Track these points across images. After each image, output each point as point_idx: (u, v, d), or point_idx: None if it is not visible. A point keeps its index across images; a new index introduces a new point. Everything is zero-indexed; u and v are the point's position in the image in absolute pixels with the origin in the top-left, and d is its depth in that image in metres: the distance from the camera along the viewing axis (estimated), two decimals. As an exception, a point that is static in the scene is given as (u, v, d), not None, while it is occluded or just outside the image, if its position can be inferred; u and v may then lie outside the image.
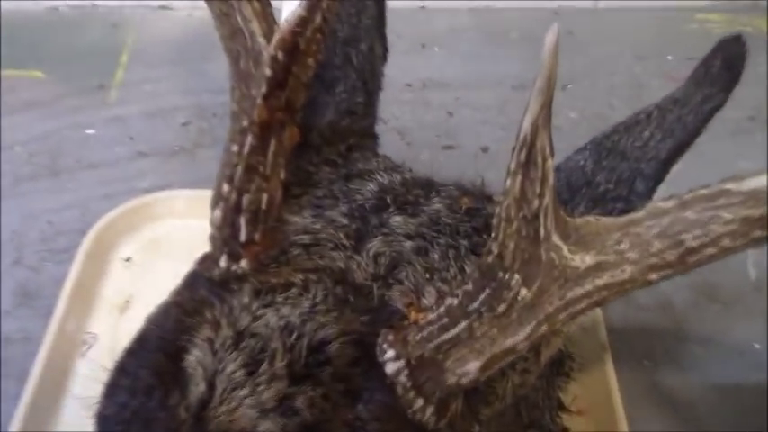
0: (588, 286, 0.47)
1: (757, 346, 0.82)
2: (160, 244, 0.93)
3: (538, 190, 0.46)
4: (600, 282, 0.47)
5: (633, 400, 0.74)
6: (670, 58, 1.19)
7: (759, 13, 1.26)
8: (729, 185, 0.46)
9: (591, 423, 0.71)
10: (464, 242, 0.54)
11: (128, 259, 0.92)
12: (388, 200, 0.56)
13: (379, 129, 1.08)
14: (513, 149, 0.46)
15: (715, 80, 0.56)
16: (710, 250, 0.46)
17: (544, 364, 0.58)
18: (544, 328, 0.48)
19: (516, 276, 0.46)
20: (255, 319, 0.48)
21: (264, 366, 0.46)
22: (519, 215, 0.46)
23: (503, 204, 0.46)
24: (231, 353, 0.47)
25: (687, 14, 1.27)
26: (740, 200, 0.45)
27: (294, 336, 0.47)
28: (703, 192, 0.47)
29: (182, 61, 1.17)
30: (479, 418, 0.54)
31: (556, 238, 0.47)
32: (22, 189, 0.97)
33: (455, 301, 0.47)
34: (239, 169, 0.52)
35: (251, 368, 0.46)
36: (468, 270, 0.53)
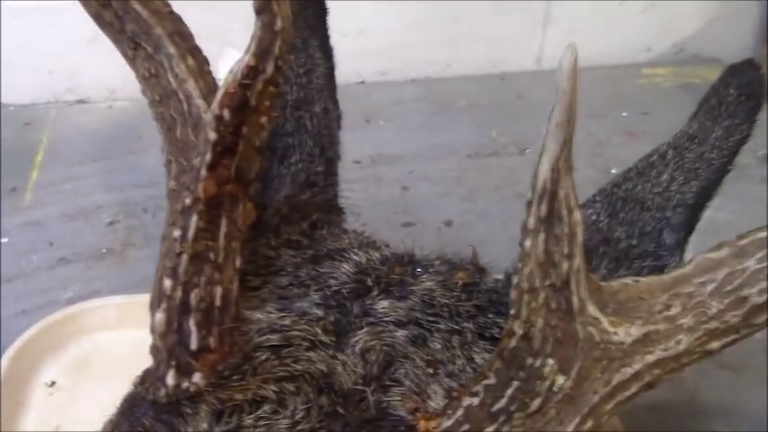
0: (638, 365, 0.38)
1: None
2: (90, 363, 0.80)
3: (566, 250, 0.36)
4: (651, 358, 0.38)
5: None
6: (624, 114, 1.15)
7: (703, 65, 1.24)
8: (794, 224, 0.38)
9: None
10: (468, 325, 0.44)
11: (52, 384, 0.78)
12: (369, 282, 0.46)
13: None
14: (529, 203, 0.37)
15: (734, 111, 0.49)
16: (781, 305, 0.38)
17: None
18: (590, 423, 0.38)
19: (549, 361, 0.37)
20: (218, 451, 0.37)
21: None
22: (545, 283, 0.37)
23: (522, 272, 0.37)
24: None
25: (634, 70, 1.24)
26: (810, 240, 0.37)
27: (273, 469, 0.36)
28: (762, 234, 0.38)
29: (103, 156, 1.06)
30: None
31: (592, 309, 0.37)
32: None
33: (475, 401, 0.37)
34: (184, 259, 0.41)
35: None
36: (477, 359, 0.43)
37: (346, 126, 1.09)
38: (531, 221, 0.37)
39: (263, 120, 0.43)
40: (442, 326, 0.44)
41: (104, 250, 0.92)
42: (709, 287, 0.38)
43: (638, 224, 0.47)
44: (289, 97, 0.57)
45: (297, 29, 0.62)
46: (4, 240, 0.93)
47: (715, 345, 0.38)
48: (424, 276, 0.48)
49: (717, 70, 1.22)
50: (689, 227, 0.47)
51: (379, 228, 0.93)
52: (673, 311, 0.38)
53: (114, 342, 0.80)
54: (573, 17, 1.26)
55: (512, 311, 0.37)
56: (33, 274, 0.89)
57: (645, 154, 0.51)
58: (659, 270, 0.42)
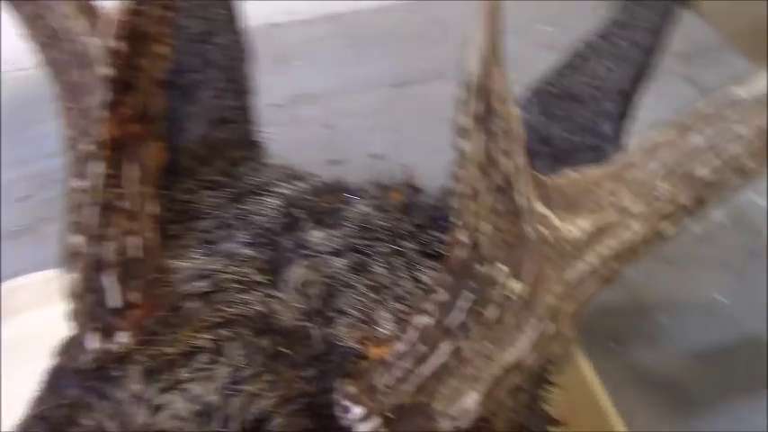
0: (592, 259, 0.36)
1: (718, 297, 0.74)
2: (24, 344, 0.74)
3: (506, 147, 0.34)
4: (606, 250, 0.36)
5: (614, 389, 0.63)
6: (548, 28, 1.13)
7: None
8: (736, 93, 0.36)
9: (582, 426, 0.60)
10: (410, 244, 0.42)
11: None
12: (299, 214, 0.43)
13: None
14: (462, 101, 0.34)
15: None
16: (732, 179, 0.36)
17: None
18: (551, 327, 0.36)
19: (501, 267, 0.34)
20: (156, 410, 0.33)
21: None
22: (488, 185, 0.34)
23: (462, 177, 0.34)
24: (132, 467, 0.32)
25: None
26: (754, 107, 0.35)
27: (218, 421, 0.33)
28: (705, 108, 0.36)
29: (6, 131, 0.99)
30: None
31: (540, 207, 0.35)
32: None
33: (428, 320, 0.34)
34: (93, 211, 0.37)
35: None
36: (425, 279, 0.41)
37: (261, 70, 1.04)
38: (466, 121, 0.34)
39: (162, 49, 0.39)
40: (382, 249, 0.41)
41: (16, 228, 0.86)
42: (658, 170, 0.36)
43: (575, 119, 0.45)
44: (189, 31, 0.52)
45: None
46: None
47: (669, 229, 0.37)
48: (357, 201, 0.45)
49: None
50: (626, 114, 0.45)
51: (306, 168, 0.90)
52: (623, 200, 0.36)
53: (39, 322, 0.75)
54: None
55: (455, 221, 0.35)
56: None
57: (574, 48, 0.48)
58: (601, 161, 0.39)
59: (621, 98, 0.45)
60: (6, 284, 0.76)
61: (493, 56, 0.34)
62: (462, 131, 0.34)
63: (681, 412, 0.66)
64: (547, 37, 1.10)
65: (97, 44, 0.40)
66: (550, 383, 0.56)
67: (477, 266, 0.34)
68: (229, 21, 0.55)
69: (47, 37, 0.42)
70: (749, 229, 0.81)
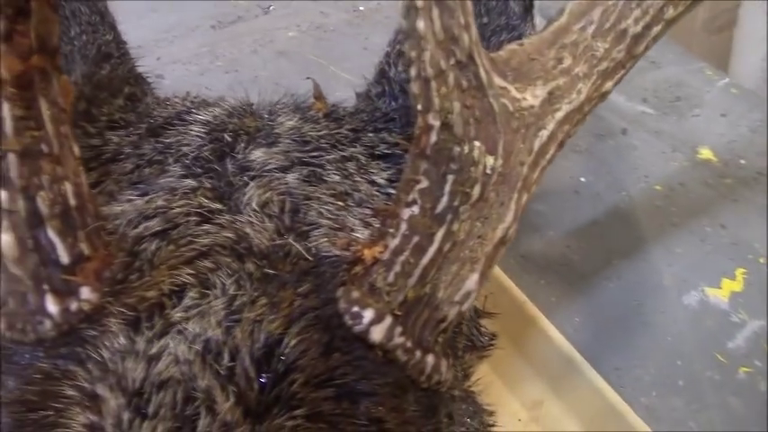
0: (551, 125, 0.37)
1: (581, 179, 0.80)
2: None
3: (463, 20, 0.33)
4: (560, 114, 0.37)
5: (514, 280, 0.67)
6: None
7: None
8: (652, -55, 0.38)
9: (507, 318, 0.62)
10: (355, 149, 0.40)
11: None
12: (228, 137, 0.40)
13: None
14: (411, -22, 0.33)
15: None
16: (657, 28, 0.38)
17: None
18: (525, 197, 0.36)
19: (476, 144, 0.34)
20: (154, 359, 0.30)
21: (205, 422, 0.29)
22: (450, 62, 0.33)
23: (421, 59, 0.33)
24: (140, 428, 0.29)
25: None
26: (670, -44, 0.37)
27: (227, 355, 0.30)
28: (624, -36, 0.38)
29: None
30: (458, 355, 0.41)
31: (499, 80, 0.35)
32: None
33: (416, 209, 0.34)
34: (12, 159, 0.32)
35: (185, 427, 0.29)
36: (379, 180, 0.39)
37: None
38: (418, -1, 0.33)
39: (51, -35, 0.34)
40: (329, 157, 0.39)
41: None
42: (590, 30, 0.37)
43: (483, 1, 0.45)
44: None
45: None
46: None
47: (609, 85, 0.38)
48: (280, 118, 0.43)
49: None
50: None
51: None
52: (566, 63, 0.37)
53: None
54: None
55: (419, 106, 0.34)
56: None
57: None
58: (517, 39, 0.40)
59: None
60: None
61: None
62: (414, 11, 0.33)
63: (574, 287, 0.70)
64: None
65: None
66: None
67: (455, 147, 0.34)
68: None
69: None
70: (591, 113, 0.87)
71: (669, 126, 0.85)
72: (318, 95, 0.46)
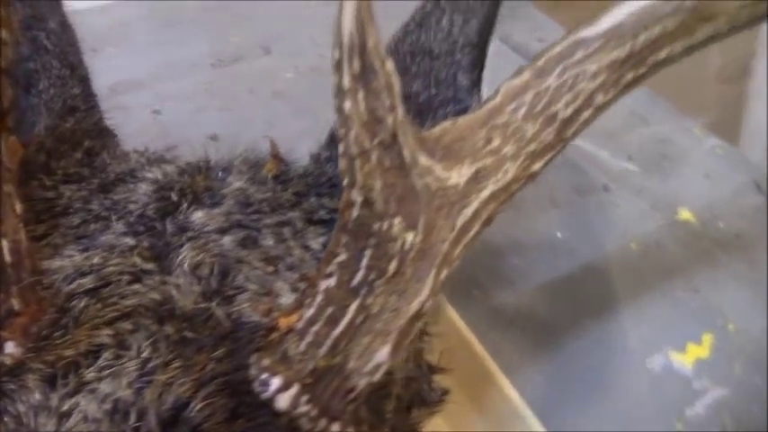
0: (475, 204, 0.38)
1: (558, 234, 0.81)
2: None
3: (388, 102, 0.35)
4: (485, 193, 0.38)
5: (481, 332, 0.68)
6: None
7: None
8: (583, 33, 0.39)
9: (462, 373, 0.63)
10: (294, 213, 0.42)
11: None
12: (174, 197, 0.42)
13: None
14: (339, 62, 0.34)
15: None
16: (586, 114, 0.39)
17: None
18: (444, 272, 0.37)
19: (396, 221, 0.35)
20: (65, 416, 0.32)
21: None
22: (374, 142, 0.35)
23: (347, 137, 0.35)
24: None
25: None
26: (600, 44, 0.38)
27: (134, 416, 0.32)
28: (557, 50, 0.39)
29: None
30: (386, 418, 0.42)
31: (423, 159, 0.37)
32: None
33: (332, 282, 0.35)
34: (-50, 218, 0.34)
35: None
36: (314, 245, 0.41)
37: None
38: (346, 81, 0.34)
39: (4, 34, 0.36)
40: (267, 221, 0.41)
41: None
42: (521, 112, 0.39)
43: (432, 73, 0.47)
44: (16, 17, 0.48)
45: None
46: None
47: (537, 166, 0.39)
48: (230, 178, 0.44)
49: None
50: (479, 65, 0.47)
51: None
52: (495, 144, 0.38)
53: None
54: None
55: (345, 181, 0.35)
56: None
57: (418, 5, 0.50)
58: (463, 112, 0.41)
59: (472, 50, 0.47)
60: None
61: (366, 12, 0.34)
62: (342, 92, 0.35)
63: (541, 343, 0.71)
64: None
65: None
66: (428, 334, 0.58)
67: (375, 223, 0.35)
68: (53, 3, 0.52)
69: None
70: (573, 168, 0.88)
71: (652, 184, 0.86)
72: (275, 154, 0.48)
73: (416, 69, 0.47)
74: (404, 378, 0.50)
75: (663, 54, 0.39)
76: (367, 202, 0.35)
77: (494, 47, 1.08)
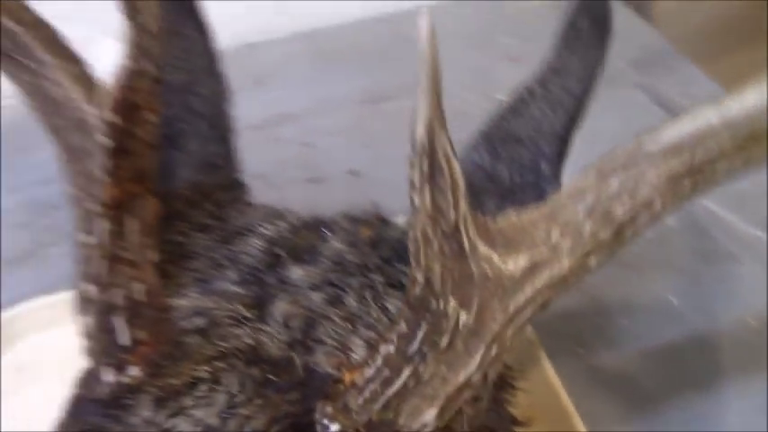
0: (529, 291, 0.42)
1: (674, 301, 0.81)
2: (25, 369, 0.80)
3: (451, 199, 0.40)
4: (540, 282, 0.42)
5: (577, 391, 0.70)
6: (508, 41, 1.19)
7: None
8: (646, 144, 0.42)
9: (545, 427, 0.67)
10: (378, 277, 0.48)
11: None
12: (280, 252, 0.49)
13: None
14: (412, 162, 0.40)
15: (588, 40, 0.53)
16: (644, 218, 0.43)
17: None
18: (495, 349, 0.42)
19: (452, 301, 0.41)
20: (166, 432, 0.40)
21: None
22: (437, 232, 0.40)
23: (416, 225, 0.40)
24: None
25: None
26: (661, 156, 0.42)
27: (218, 440, 0.39)
28: (621, 157, 0.43)
29: (6, 157, 1.04)
30: None
31: (483, 248, 0.42)
32: None
33: (392, 348, 0.41)
34: (102, 263, 0.43)
35: None
36: (391, 308, 0.47)
37: (238, 91, 1.10)
38: (416, 179, 0.40)
39: (152, 117, 0.45)
40: (353, 282, 0.47)
41: (20, 253, 0.92)
42: (582, 211, 0.43)
43: (518, 160, 0.52)
44: (173, 83, 0.58)
45: (170, 12, 0.63)
46: None
47: (592, 262, 0.43)
48: (331, 237, 0.51)
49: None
50: (562, 155, 0.51)
51: (286, 188, 0.96)
52: (553, 238, 0.43)
53: (48, 344, 0.80)
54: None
55: (412, 262, 0.41)
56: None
57: (516, 91, 0.55)
58: (541, 199, 0.46)
59: (557, 141, 0.51)
60: (13, 311, 0.81)
61: (436, 119, 0.40)
62: (414, 187, 0.40)
63: (638, 410, 0.72)
64: (509, 48, 1.17)
65: (95, 113, 0.45)
66: (514, 387, 0.63)
67: (432, 301, 0.41)
68: (209, 69, 0.61)
69: (47, 105, 0.48)
70: (699, 232, 0.87)
71: (782, 257, 0.84)
72: (375, 217, 0.54)
73: (505, 154, 0.52)
74: (483, 426, 0.55)
75: (720, 169, 0.41)
76: (428, 283, 0.41)
77: (635, 96, 1.09)
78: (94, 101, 0.46)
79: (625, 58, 1.13)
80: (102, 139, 0.43)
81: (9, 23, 0.46)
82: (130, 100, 0.43)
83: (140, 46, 0.43)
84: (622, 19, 1.17)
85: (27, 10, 0.48)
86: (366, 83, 1.15)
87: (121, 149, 0.44)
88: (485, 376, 0.48)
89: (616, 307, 0.81)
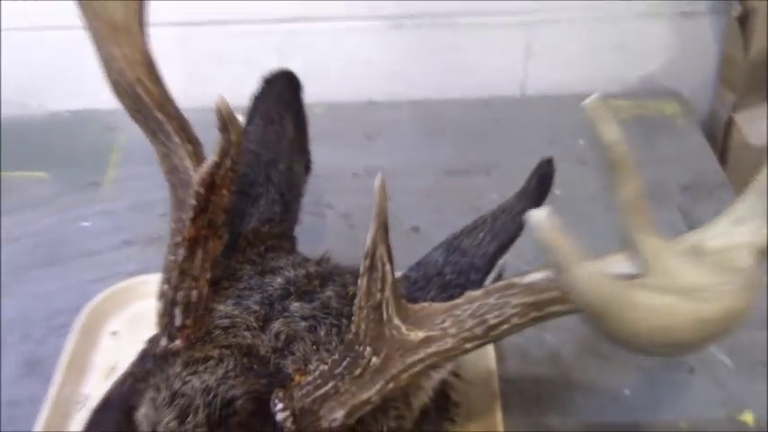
0: (421, 354, 0.65)
1: (627, 392, 0.98)
2: (141, 320, 1.06)
3: (380, 287, 0.64)
4: (429, 350, 0.65)
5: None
6: (581, 142, 1.36)
7: (660, 98, 1.45)
8: (515, 280, 0.64)
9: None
10: (345, 321, 0.72)
11: (114, 333, 1.06)
12: (291, 290, 0.75)
13: (328, 213, 1.26)
14: (362, 257, 0.65)
15: (531, 195, 0.75)
16: (505, 326, 0.65)
17: (422, 410, 0.75)
18: (391, 385, 0.65)
19: (368, 348, 0.65)
20: (184, 383, 0.66)
21: (190, 418, 0.64)
22: (367, 305, 0.64)
23: (358, 297, 0.65)
24: (167, 408, 0.65)
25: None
26: (521, 290, 0.64)
27: (211, 395, 0.65)
28: (500, 284, 0.65)
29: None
30: None
31: (396, 321, 0.65)
32: (27, 276, 1.14)
33: (326, 367, 0.65)
34: (174, 274, 0.71)
35: (181, 419, 0.64)
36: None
37: (351, 142, 1.40)
38: (362, 269, 0.64)
39: (225, 192, 0.72)
40: (328, 321, 0.72)
41: (155, 236, 1.22)
42: (468, 312, 0.65)
43: (458, 265, 0.74)
44: (263, 158, 0.85)
45: (273, 104, 0.91)
46: (85, 224, 1.25)
47: (468, 345, 0.65)
48: (329, 287, 0.76)
49: (672, 104, 1.44)
50: (487, 270, 0.73)
51: (362, 231, 1.20)
52: (445, 324, 0.65)
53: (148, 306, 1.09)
54: (554, 48, 1.49)
55: (353, 319, 0.65)
56: (105, 252, 1.20)
57: (479, 216, 0.77)
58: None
59: (488, 260, 0.73)
60: (140, 278, 1.11)
61: (379, 237, 0.64)
62: (360, 273, 0.65)
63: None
64: (583, 151, 1.34)
65: (195, 181, 0.73)
66: (453, 421, 0.84)
67: (357, 346, 0.65)
68: (293, 153, 0.88)
69: (169, 168, 0.76)
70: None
71: (737, 382, 0.99)
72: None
73: (452, 259, 0.74)
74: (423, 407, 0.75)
75: (554, 309, 0.62)
76: (356, 334, 0.65)
77: (673, 216, 1.23)
78: (196, 173, 0.74)
79: (676, 177, 1.29)
80: (192, 201, 0.71)
81: (158, 114, 0.75)
82: (212, 180, 0.70)
83: (225, 149, 0.70)
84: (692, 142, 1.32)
85: (171, 104, 0.76)
86: (452, 154, 1.37)
87: (202, 208, 0.71)
88: (407, 402, 0.71)
89: (578, 384, 1.00)
